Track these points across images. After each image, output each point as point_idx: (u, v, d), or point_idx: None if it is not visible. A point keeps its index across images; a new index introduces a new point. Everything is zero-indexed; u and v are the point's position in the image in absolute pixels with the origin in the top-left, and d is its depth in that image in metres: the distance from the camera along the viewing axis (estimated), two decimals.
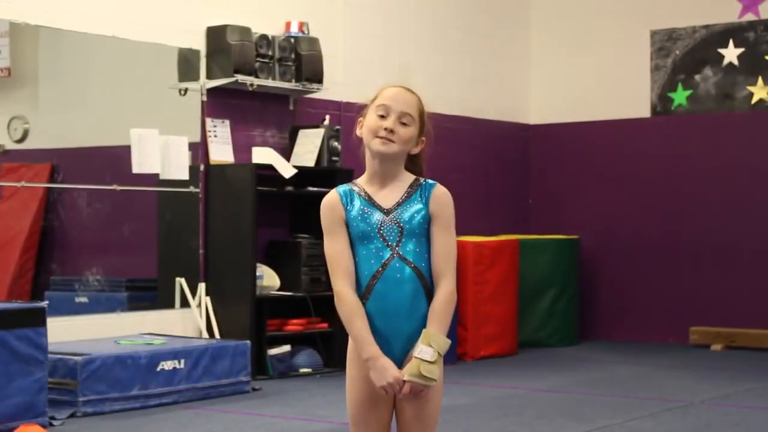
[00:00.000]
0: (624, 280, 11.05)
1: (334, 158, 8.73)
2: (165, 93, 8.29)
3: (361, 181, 3.24)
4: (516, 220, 11.34)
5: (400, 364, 3.14)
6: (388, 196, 3.19)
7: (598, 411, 6.91)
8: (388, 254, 3.13)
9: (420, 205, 3.17)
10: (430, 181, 3.22)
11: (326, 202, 3.21)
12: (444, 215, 3.16)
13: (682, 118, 10.84)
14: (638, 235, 10.98)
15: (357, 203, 3.19)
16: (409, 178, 3.22)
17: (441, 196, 3.18)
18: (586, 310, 11.07)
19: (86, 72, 8.05)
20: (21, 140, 7.79)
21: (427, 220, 3.16)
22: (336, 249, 3.16)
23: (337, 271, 3.15)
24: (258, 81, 8.38)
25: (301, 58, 8.67)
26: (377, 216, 3.16)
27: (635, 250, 10.99)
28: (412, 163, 3.26)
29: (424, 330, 3.09)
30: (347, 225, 3.18)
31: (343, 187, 3.23)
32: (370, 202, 3.18)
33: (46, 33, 7.59)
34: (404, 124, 3.16)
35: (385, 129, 3.15)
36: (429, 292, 3.16)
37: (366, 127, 3.19)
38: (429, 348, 3.06)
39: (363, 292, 3.15)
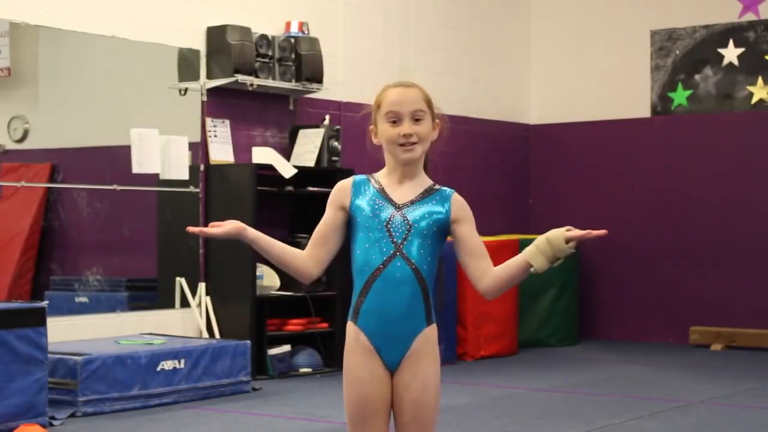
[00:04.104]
0: (624, 280, 11.05)
1: (334, 158, 8.73)
2: (165, 93, 8.29)
3: (380, 173, 3.26)
4: (516, 220, 11.34)
5: (397, 365, 3.15)
6: (402, 193, 3.20)
7: (598, 411, 6.91)
8: (391, 250, 3.14)
9: (438, 209, 3.18)
10: (447, 189, 3.24)
11: (338, 185, 3.26)
12: (470, 217, 3.24)
13: (682, 118, 10.84)
14: (638, 235, 10.98)
15: (369, 194, 3.20)
16: (427, 180, 3.24)
17: (462, 201, 3.23)
18: (586, 310, 11.07)
19: (86, 72, 8.05)
20: (21, 140, 7.79)
21: (442, 225, 3.17)
22: (320, 224, 3.24)
23: (311, 240, 3.25)
24: (258, 81, 8.38)
25: (301, 58, 8.67)
26: (388, 209, 3.17)
27: (635, 250, 10.99)
28: None
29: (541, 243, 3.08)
30: (351, 213, 3.19)
31: (360, 176, 3.26)
32: (383, 194, 3.20)
33: (46, 33, 7.59)
34: (418, 119, 3.18)
35: (404, 135, 3.16)
36: (427, 294, 3.16)
37: (383, 137, 3.20)
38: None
39: (361, 289, 3.15)
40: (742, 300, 10.47)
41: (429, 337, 3.17)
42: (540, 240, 3.10)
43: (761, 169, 10.45)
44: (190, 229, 3.19)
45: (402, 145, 3.17)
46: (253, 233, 3.17)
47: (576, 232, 3.05)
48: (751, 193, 10.49)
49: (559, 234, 3.07)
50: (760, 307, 10.36)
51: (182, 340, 7.53)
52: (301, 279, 3.25)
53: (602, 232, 3.02)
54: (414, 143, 3.17)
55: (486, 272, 3.18)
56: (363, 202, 3.19)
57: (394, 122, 3.18)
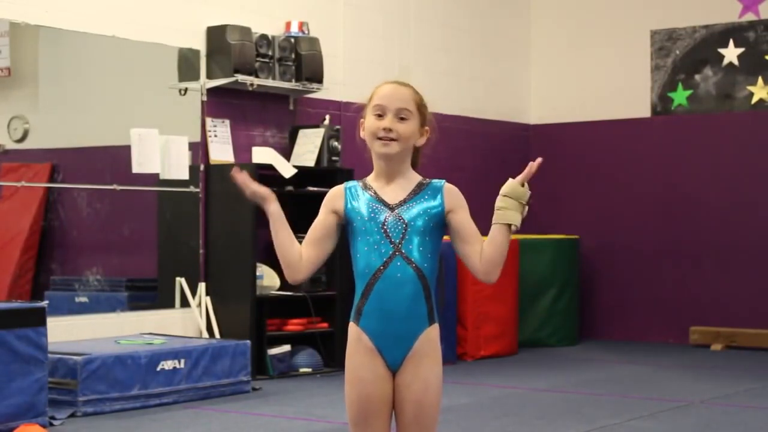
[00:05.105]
0: (624, 280, 11.05)
1: (334, 158, 8.73)
2: (165, 93, 8.29)
3: (370, 178, 3.26)
4: None
5: (400, 364, 3.14)
6: (393, 193, 3.20)
7: (598, 411, 6.91)
8: (390, 251, 3.13)
9: (431, 204, 3.17)
10: (437, 180, 3.23)
11: (330, 192, 3.27)
12: (464, 205, 3.22)
13: (682, 118, 10.84)
14: (638, 235, 10.98)
15: (363, 199, 3.20)
16: (416, 177, 3.24)
17: (454, 190, 3.22)
18: (586, 310, 11.07)
19: (86, 72, 8.05)
20: (21, 140, 7.79)
21: (439, 219, 3.17)
22: (314, 225, 3.26)
23: (305, 240, 3.26)
24: (258, 81, 8.38)
25: (301, 58, 8.67)
26: (383, 212, 3.17)
27: (635, 250, 10.99)
28: (413, 154, 3.27)
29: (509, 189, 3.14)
30: (347, 218, 3.20)
31: (351, 183, 3.26)
32: (376, 198, 3.19)
33: (46, 33, 7.59)
34: (403, 119, 3.17)
35: (384, 129, 3.15)
36: (429, 293, 3.16)
37: (366, 129, 3.20)
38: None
39: (363, 291, 3.15)
40: (742, 300, 10.46)
41: (431, 336, 3.17)
42: (501, 200, 3.13)
43: (761, 169, 10.45)
44: (235, 171, 3.25)
45: (380, 138, 3.16)
46: (274, 209, 3.21)
47: (524, 173, 3.12)
48: (751, 193, 10.49)
49: (514, 184, 3.12)
50: (760, 307, 10.36)
51: (182, 340, 7.53)
52: (289, 275, 3.24)
53: (538, 160, 3.12)
54: (393, 139, 3.16)
55: (481, 255, 3.18)
56: (359, 207, 3.19)
57: (380, 116, 3.18)
